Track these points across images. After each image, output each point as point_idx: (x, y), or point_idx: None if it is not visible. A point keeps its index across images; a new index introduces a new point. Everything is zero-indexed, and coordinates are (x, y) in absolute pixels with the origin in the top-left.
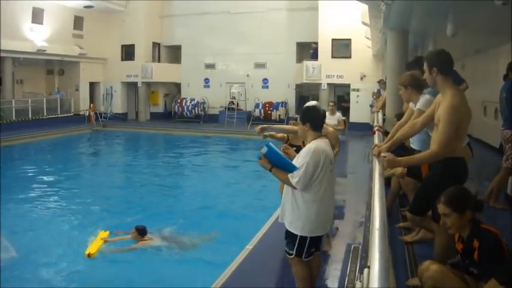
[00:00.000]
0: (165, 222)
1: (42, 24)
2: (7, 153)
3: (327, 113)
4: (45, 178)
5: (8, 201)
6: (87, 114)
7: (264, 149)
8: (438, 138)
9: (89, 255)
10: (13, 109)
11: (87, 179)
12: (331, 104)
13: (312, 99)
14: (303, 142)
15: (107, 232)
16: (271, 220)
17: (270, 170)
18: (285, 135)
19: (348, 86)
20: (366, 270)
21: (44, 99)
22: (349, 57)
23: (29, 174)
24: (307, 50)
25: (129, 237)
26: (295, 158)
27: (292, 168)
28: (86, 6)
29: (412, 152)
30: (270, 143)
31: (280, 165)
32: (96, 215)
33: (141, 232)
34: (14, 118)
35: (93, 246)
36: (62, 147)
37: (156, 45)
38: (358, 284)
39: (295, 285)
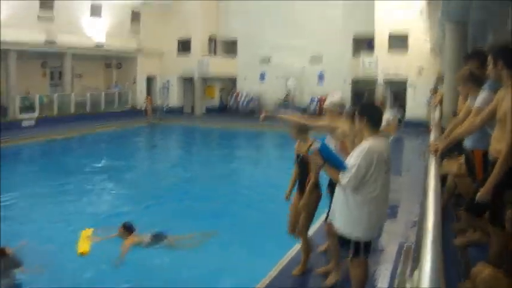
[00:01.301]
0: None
1: (100, 19)
2: (65, 144)
3: None
4: (99, 169)
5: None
6: (144, 107)
7: (318, 144)
8: (509, 137)
9: (82, 253)
10: (72, 102)
11: (141, 171)
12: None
13: (368, 95)
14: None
15: (91, 229)
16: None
17: (322, 166)
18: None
19: (405, 81)
20: (416, 271)
21: (102, 93)
22: (406, 51)
23: (85, 164)
24: (364, 44)
25: (115, 235)
26: (349, 157)
27: (343, 167)
28: (142, 1)
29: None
30: (325, 139)
31: (332, 163)
32: (146, 205)
33: (128, 229)
34: (73, 111)
35: (83, 245)
36: (118, 140)
37: (212, 39)
38: (408, 284)
39: (352, 285)
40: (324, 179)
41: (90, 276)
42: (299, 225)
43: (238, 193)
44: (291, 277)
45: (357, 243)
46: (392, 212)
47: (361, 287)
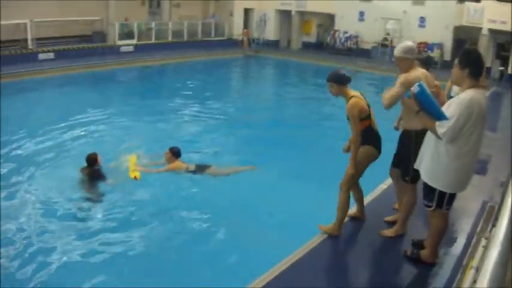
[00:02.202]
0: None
1: None
2: (161, 71)
3: None
4: (189, 96)
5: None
6: (240, 39)
7: (415, 89)
8: None
9: (135, 177)
10: (169, 30)
11: (229, 102)
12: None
13: (471, 45)
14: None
15: (135, 156)
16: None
17: (417, 113)
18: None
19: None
20: (494, 229)
21: (200, 22)
22: None
23: (176, 91)
24: None
25: (162, 162)
26: (446, 106)
27: (440, 117)
28: None
29: None
30: (424, 84)
31: (428, 110)
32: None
33: (176, 154)
34: (170, 39)
35: (133, 170)
36: (213, 69)
37: None
38: (483, 241)
39: (430, 235)
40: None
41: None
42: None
43: (321, 133)
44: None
45: (442, 194)
46: (482, 169)
47: (439, 237)
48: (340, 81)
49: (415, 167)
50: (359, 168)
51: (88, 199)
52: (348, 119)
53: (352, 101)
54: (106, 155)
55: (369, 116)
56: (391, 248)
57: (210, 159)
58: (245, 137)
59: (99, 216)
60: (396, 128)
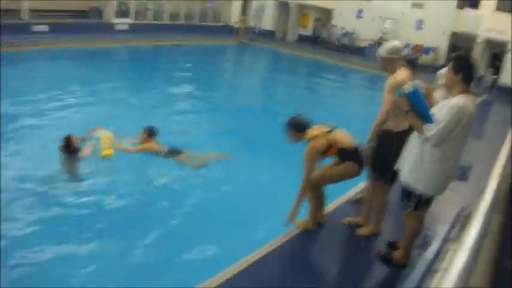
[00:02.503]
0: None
1: None
2: (156, 52)
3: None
4: (178, 77)
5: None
6: (237, 26)
7: (409, 88)
8: None
9: (106, 155)
10: (166, 12)
11: (217, 87)
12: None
13: (465, 52)
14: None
15: (110, 134)
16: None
17: (406, 113)
18: None
19: (506, 43)
20: (464, 233)
21: (197, 6)
22: None
23: (167, 72)
24: None
25: (138, 141)
26: (437, 109)
27: (429, 120)
28: None
29: None
30: (418, 86)
31: (419, 112)
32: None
33: (150, 133)
34: (166, 21)
35: (105, 148)
36: (207, 54)
37: None
38: (454, 245)
39: (404, 237)
40: None
41: None
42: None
43: None
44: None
45: (420, 196)
46: (463, 175)
47: (413, 238)
48: (299, 128)
49: (395, 168)
50: (333, 179)
51: (63, 178)
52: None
53: (310, 145)
54: (85, 130)
55: (331, 145)
56: (365, 247)
57: (188, 143)
58: (227, 123)
59: (70, 198)
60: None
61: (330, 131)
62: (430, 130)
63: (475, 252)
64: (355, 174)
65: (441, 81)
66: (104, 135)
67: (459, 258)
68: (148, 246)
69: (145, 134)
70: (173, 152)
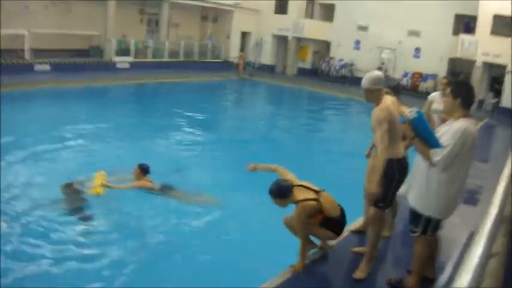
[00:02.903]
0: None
1: None
2: (156, 89)
3: (437, 94)
4: (183, 116)
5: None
6: (236, 62)
7: (412, 114)
8: None
9: (97, 193)
10: (166, 50)
11: (218, 124)
12: (443, 81)
13: (464, 76)
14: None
15: (103, 173)
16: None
17: (412, 139)
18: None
19: (505, 66)
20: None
21: (196, 43)
22: (510, 35)
23: (170, 110)
24: (465, 23)
25: (131, 177)
26: (440, 134)
27: (435, 145)
28: None
29: None
30: (422, 111)
31: (423, 137)
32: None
33: (144, 171)
34: (166, 58)
35: (96, 186)
36: (206, 90)
37: (310, 2)
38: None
39: (414, 261)
40: None
41: None
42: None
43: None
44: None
45: (428, 220)
46: (471, 199)
47: (420, 264)
48: (283, 194)
49: (400, 193)
50: (311, 233)
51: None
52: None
53: (299, 208)
54: (84, 169)
55: (319, 210)
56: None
57: (183, 181)
58: (226, 160)
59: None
60: (367, 156)
61: (317, 192)
62: (437, 155)
63: (479, 273)
64: (330, 239)
65: (434, 105)
66: (97, 173)
67: (463, 279)
68: None
69: (138, 170)
70: (166, 190)
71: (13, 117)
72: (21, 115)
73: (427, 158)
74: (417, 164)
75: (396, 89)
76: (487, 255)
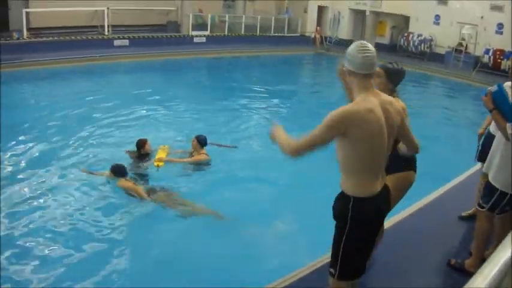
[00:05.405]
0: None
1: None
2: (232, 63)
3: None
4: (256, 90)
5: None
6: (313, 36)
7: (494, 88)
8: None
9: (157, 165)
10: (242, 24)
11: (290, 100)
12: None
13: None
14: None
15: (167, 146)
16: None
17: (491, 111)
18: None
19: None
20: None
21: (273, 17)
22: None
23: (242, 82)
24: None
25: (191, 150)
26: None
27: None
28: None
29: None
30: (503, 85)
31: (502, 110)
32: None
33: (201, 142)
34: (242, 33)
35: (158, 159)
36: (281, 65)
37: None
38: None
39: (474, 237)
40: None
41: None
42: None
43: None
44: None
45: (501, 196)
46: None
47: (481, 242)
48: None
49: (484, 170)
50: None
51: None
52: None
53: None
54: (156, 140)
55: None
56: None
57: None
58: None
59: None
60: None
61: None
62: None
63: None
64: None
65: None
66: (161, 146)
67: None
68: None
69: (195, 141)
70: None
71: (90, 90)
72: (98, 88)
73: (504, 131)
74: (497, 140)
75: (393, 76)
76: None
